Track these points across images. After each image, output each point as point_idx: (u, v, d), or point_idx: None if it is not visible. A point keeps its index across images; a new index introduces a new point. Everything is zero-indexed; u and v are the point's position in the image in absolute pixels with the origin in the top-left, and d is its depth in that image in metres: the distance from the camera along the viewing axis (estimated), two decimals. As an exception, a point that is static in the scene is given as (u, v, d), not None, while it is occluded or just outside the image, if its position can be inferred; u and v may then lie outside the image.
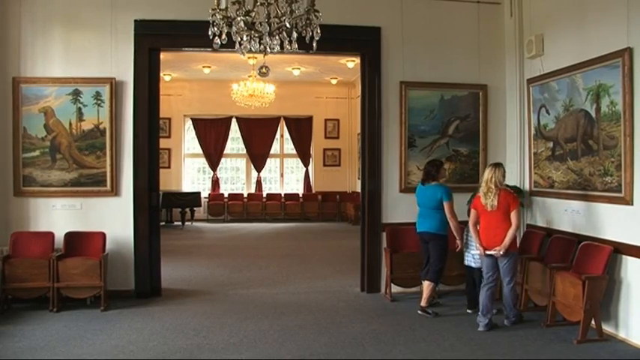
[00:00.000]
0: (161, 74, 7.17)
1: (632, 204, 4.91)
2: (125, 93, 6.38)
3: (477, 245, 5.36)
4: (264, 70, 10.64)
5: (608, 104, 5.19)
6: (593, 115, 5.42)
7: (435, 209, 5.78)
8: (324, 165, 16.10)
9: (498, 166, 5.32)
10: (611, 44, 5.07)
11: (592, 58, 5.36)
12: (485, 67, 7.00)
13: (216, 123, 15.53)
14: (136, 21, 6.36)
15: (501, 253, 5.15)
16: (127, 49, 6.36)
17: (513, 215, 5.14)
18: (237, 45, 3.80)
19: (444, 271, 5.93)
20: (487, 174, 5.28)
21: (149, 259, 6.46)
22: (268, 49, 3.79)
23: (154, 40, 6.42)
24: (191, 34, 6.16)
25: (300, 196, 15.90)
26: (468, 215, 5.60)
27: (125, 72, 6.36)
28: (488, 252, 5.24)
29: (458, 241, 5.87)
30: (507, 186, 6.58)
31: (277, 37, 3.74)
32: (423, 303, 5.85)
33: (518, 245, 5.63)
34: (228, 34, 3.72)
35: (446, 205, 5.72)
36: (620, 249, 4.98)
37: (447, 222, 5.75)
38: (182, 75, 14.24)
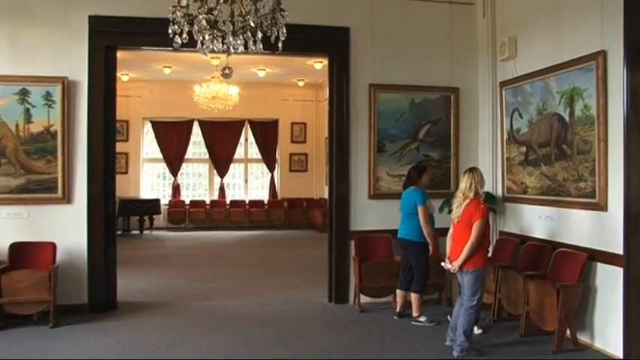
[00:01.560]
0: (118, 74, 6.96)
1: (606, 210, 4.96)
2: (79, 93, 6.16)
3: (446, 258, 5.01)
4: (227, 71, 10.46)
5: (582, 108, 5.24)
6: (567, 119, 5.47)
7: (412, 215, 5.80)
8: (291, 170, 16.03)
9: (475, 170, 4.95)
10: (585, 47, 5.13)
11: (566, 61, 5.42)
12: (457, 69, 7.03)
13: (177, 126, 15.29)
14: (90, 17, 6.15)
15: (453, 269, 4.80)
16: (81, 47, 6.14)
17: (474, 227, 4.69)
18: (199, 44, 3.69)
19: (427, 279, 5.91)
20: (465, 182, 4.83)
21: (104, 271, 6.24)
22: (232, 49, 3.69)
23: (111, 37, 6.23)
24: (150, 32, 5.98)
25: (266, 202, 15.80)
26: None
27: (79, 71, 6.14)
28: (445, 266, 4.96)
29: (431, 247, 5.84)
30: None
31: (241, 37, 3.64)
32: (414, 313, 5.87)
33: (488, 255, 5.24)
34: (190, 33, 3.62)
35: (419, 208, 5.73)
36: (595, 256, 5.02)
37: None
38: (141, 75, 13.96)
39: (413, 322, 5.84)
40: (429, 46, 6.97)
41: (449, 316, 5.61)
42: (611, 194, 4.90)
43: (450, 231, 5.02)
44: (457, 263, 4.77)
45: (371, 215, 6.74)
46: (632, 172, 4.52)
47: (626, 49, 4.51)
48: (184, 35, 3.61)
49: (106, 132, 6.26)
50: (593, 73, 5.02)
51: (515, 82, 6.33)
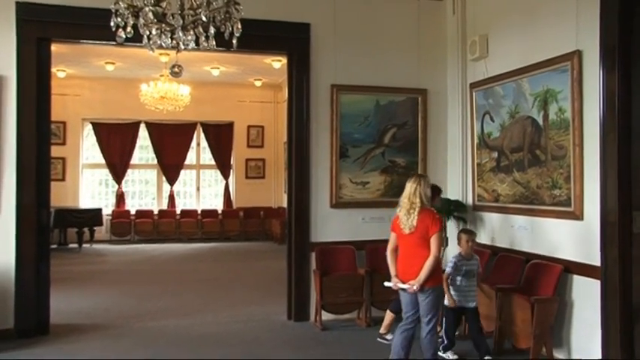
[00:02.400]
0: (53, 69, 6.72)
1: (582, 219, 5.02)
2: (6, 90, 5.87)
3: (392, 276, 4.69)
4: (176, 69, 10.32)
5: (556, 111, 5.31)
6: (541, 122, 5.53)
7: None
8: (247, 177, 15.90)
9: (423, 177, 4.80)
10: (559, 47, 5.20)
11: (539, 62, 5.48)
12: (425, 69, 7.06)
13: (122, 128, 14.93)
14: (18, 3, 5.87)
15: (415, 288, 4.46)
16: (8, 38, 5.85)
17: (433, 241, 4.45)
18: (145, 39, 3.56)
19: None
20: (410, 187, 4.65)
21: (35, 290, 5.96)
22: (181, 46, 3.58)
23: (44, 28, 5.98)
24: (90, 24, 5.77)
25: (220, 212, 15.63)
26: None
27: (6, 65, 5.85)
28: (400, 286, 4.58)
29: None
30: (449, 201, 6.72)
31: (192, 32, 3.54)
32: (382, 330, 5.81)
33: (447, 275, 5.21)
34: (135, 27, 3.48)
35: None
36: (571, 268, 5.06)
37: None
38: (80, 72, 13.59)
39: (379, 339, 5.77)
40: (395, 44, 6.98)
41: (379, 339, 5.74)
42: (587, 202, 4.96)
43: (393, 243, 4.74)
44: (419, 282, 4.43)
45: (333, 225, 6.70)
46: (609, 178, 4.59)
47: (602, 49, 4.60)
48: (129, 29, 3.48)
49: (39, 134, 6.00)
50: (568, 74, 5.09)
51: (487, 84, 6.38)
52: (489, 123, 6.38)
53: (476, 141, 6.63)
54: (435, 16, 7.11)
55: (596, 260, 4.72)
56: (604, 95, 4.62)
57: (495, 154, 6.30)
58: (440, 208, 6.30)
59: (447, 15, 7.09)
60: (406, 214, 4.58)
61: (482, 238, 6.52)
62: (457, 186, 6.90)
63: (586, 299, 4.91)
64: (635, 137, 4.50)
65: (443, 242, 6.00)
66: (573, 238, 5.12)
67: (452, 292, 5.26)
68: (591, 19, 4.73)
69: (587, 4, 4.83)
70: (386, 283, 4.74)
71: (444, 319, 5.31)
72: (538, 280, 5.25)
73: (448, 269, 5.24)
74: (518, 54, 5.86)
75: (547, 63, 5.37)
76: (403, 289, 4.58)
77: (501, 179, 6.20)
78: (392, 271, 4.68)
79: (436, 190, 5.97)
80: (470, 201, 6.76)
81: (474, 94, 6.64)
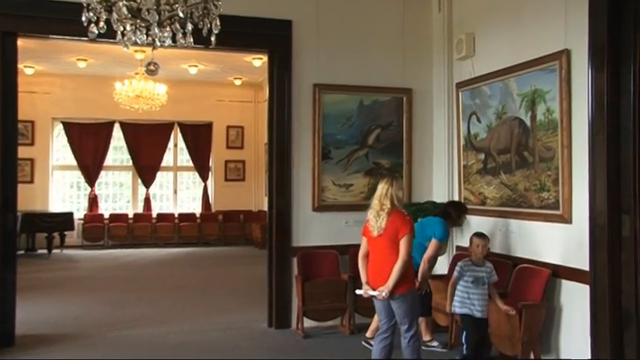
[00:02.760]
0: (20, 66, 6.62)
1: (570, 222, 5.05)
2: (-31, 87, 5.78)
3: (363, 283, 4.57)
4: (152, 67, 10.17)
5: (544, 112, 5.34)
6: (529, 123, 5.57)
7: (420, 244, 5.52)
8: (226, 180, 15.82)
9: (396, 178, 4.75)
10: (547, 46, 5.23)
11: (527, 61, 5.52)
12: (410, 69, 7.07)
13: (95, 128, 14.77)
14: (-20, -5, 5.79)
15: (384, 295, 4.35)
16: (-29, 31, 5.77)
17: (402, 244, 4.35)
18: (119, 35, 3.50)
19: (429, 301, 5.82)
20: (381, 188, 4.57)
21: (0, 299, 5.86)
22: (157, 42, 3.53)
23: (9, 21, 5.87)
24: (60, 18, 5.70)
25: (198, 216, 15.55)
26: None
27: (-31, 60, 5.77)
28: (370, 293, 4.46)
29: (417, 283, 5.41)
30: (434, 204, 6.73)
31: (168, 28, 3.49)
32: (425, 337, 5.78)
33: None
34: (108, 22, 3.41)
35: (433, 242, 5.54)
36: (560, 272, 5.09)
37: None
38: (50, 68, 13.40)
39: (364, 343, 5.77)
40: (379, 43, 7.00)
41: (364, 342, 5.71)
42: (576, 205, 4.99)
43: (364, 249, 4.62)
44: (388, 288, 4.32)
45: (315, 229, 6.69)
46: (598, 181, 4.62)
47: (591, 48, 4.63)
48: (101, 24, 3.39)
49: (5, 134, 5.89)
50: (557, 73, 5.13)
51: (473, 83, 6.41)
52: (476, 124, 6.40)
53: (462, 142, 6.66)
54: (420, 14, 7.13)
55: (585, 265, 4.75)
56: (593, 95, 4.66)
57: (482, 156, 6.33)
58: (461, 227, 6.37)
59: (432, 13, 7.11)
60: (376, 216, 4.50)
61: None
62: (443, 188, 6.92)
63: (575, 305, 4.94)
64: (623, 137, 4.53)
65: (446, 249, 6.05)
66: (562, 241, 5.15)
67: (455, 299, 5.01)
68: (580, 18, 4.77)
69: (576, 2, 4.86)
70: (357, 291, 4.68)
71: (464, 327, 5.08)
72: (526, 285, 5.27)
73: (455, 274, 5.08)
74: (505, 53, 5.90)
75: (535, 62, 5.41)
76: (374, 297, 4.47)
77: (488, 181, 6.23)
78: (362, 277, 4.58)
79: (462, 209, 5.98)
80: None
81: (460, 94, 6.66)
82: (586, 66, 4.71)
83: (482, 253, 5.08)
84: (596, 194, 4.65)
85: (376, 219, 4.49)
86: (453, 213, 5.92)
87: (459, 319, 5.27)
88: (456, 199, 6.76)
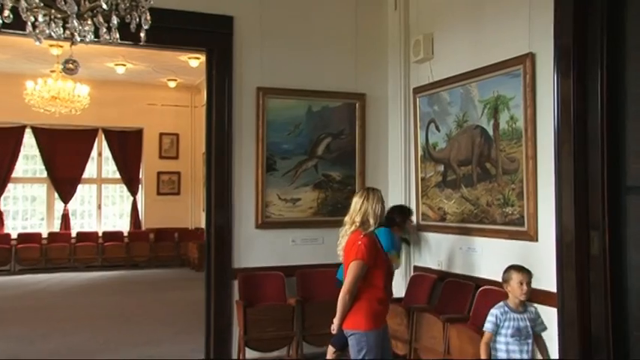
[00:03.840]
0: None
1: (536, 240, 5.16)
2: None
3: None
4: (71, 64, 9.95)
5: (507, 120, 5.46)
6: (491, 132, 5.68)
7: None
8: (159, 193, 15.66)
9: (374, 191, 4.41)
10: (511, 49, 5.35)
11: (489, 65, 5.63)
12: (363, 72, 7.14)
13: (1, 133, 14.34)
14: None
15: (333, 329, 4.25)
16: None
17: (348, 271, 4.18)
18: (29, 26, 3.35)
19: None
20: (354, 203, 4.35)
21: None
22: (77, 37, 3.40)
23: None
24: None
25: (125, 235, 15.32)
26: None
27: None
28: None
29: None
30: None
31: (90, 22, 3.39)
32: None
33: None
34: (16, 11, 3.27)
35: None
36: (525, 295, 5.18)
37: None
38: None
39: None
40: (330, 43, 7.04)
41: None
42: (542, 221, 5.10)
43: None
44: (336, 321, 4.19)
45: (259, 249, 6.67)
46: (565, 194, 4.72)
47: (557, 51, 4.76)
48: (7, 12, 3.24)
49: None
50: (521, 79, 5.25)
51: (432, 89, 6.51)
52: (435, 132, 6.50)
53: (420, 152, 6.74)
54: (374, 12, 7.21)
55: (552, 286, 4.84)
56: (558, 102, 4.77)
57: (441, 168, 6.42)
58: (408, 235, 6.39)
59: (388, 11, 7.20)
60: (343, 235, 4.36)
61: (428, 261, 6.62)
62: (399, 203, 6.96)
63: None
64: (591, 147, 4.63)
65: (399, 261, 6.10)
66: (527, 261, 5.19)
67: None
68: (545, 19, 4.89)
69: (541, 2, 4.99)
70: None
71: None
72: (490, 309, 5.33)
73: (488, 325, 4.38)
74: (466, 56, 6.01)
75: (498, 66, 5.53)
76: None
77: (448, 195, 6.31)
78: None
79: (406, 212, 5.99)
80: (413, 220, 6.84)
81: (417, 99, 6.76)
82: (551, 70, 4.83)
83: (527, 294, 4.32)
84: (562, 209, 4.74)
85: (341, 240, 4.36)
86: (397, 218, 5.98)
87: None
88: (414, 215, 6.82)
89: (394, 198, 7.08)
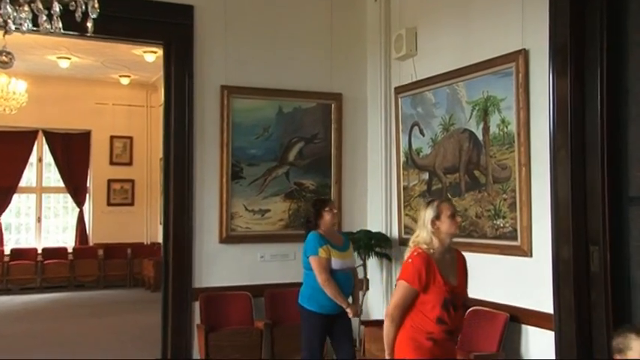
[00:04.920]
0: None
1: (530, 255, 5.21)
2: None
3: None
4: (4, 57, 9.82)
5: (498, 123, 5.53)
6: (480, 137, 5.74)
7: (307, 270, 5.49)
8: (109, 204, 15.44)
9: (433, 201, 4.27)
10: (502, 45, 5.42)
11: (478, 62, 5.69)
12: (340, 69, 7.21)
13: None
14: None
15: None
16: None
17: (394, 290, 4.22)
18: (-50, 11, 3.32)
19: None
20: (420, 216, 4.25)
21: None
22: (11, 25, 3.35)
23: None
24: None
25: (70, 251, 15.05)
26: None
27: None
28: None
29: (349, 310, 5.43)
30: (369, 233, 6.80)
31: (27, 8, 3.35)
32: None
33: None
34: None
35: (310, 260, 5.38)
36: (519, 316, 5.23)
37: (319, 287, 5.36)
38: None
39: None
40: (303, 37, 7.10)
41: None
42: (537, 234, 5.15)
43: None
44: (386, 352, 4.09)
45: (223, 266, 6.69)
46: (561, 205, 4.78)
47: (553, 47, 4.82)
48: None
49: None
50: (513, 78, 5.32)
51: (415, 88, 6.57)
52: (418, 137, 6.55)
53: (402, 159, 6.79)
54: (352, 4, 7.30)
55: (548, 307, 4.88)
56: (554, 104, 4.84)
57: (426, 176, 6.47)
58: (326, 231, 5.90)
59: (367, 2, 7.28)
60: None
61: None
62: (379, 215, 7.03)
63: (538, 354, 5.08)
64: (590, 154, 4.70)
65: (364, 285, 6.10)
66: (521, 279, 5.29)
67: None
68: (540, 12, 4.96)
69: (535, -5, 5.09)
70: None
71: None
72: (479, 332, 5.39)
73: None
74: (453, 52, 6.07)
75: (487, 64, 5.59)
76: None
77: (434, 206, 6.35)
78: None
79: (319, 204, 5.66)
80: (395, 233, 6.90)
81: (399, 100, 6.81)
82: (546, 69, 4.90)
83: None
84: (559, 222, 4.80)
85: None
86: (311, 216, 5.66)
87: None
88: (395, 227, 6.88)
89: (374, 210, 7.13)
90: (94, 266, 14.88)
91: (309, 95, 7.08)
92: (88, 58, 12.84)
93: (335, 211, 5.67)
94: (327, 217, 5.53)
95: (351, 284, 5.54)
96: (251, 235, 6.79)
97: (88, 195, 15.46)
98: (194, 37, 6.67)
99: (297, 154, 7.06)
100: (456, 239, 5.89)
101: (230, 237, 6.74)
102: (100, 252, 15.06)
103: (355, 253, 6.17)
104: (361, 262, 6.66)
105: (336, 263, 5.40)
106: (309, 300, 5.42)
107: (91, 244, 15.26)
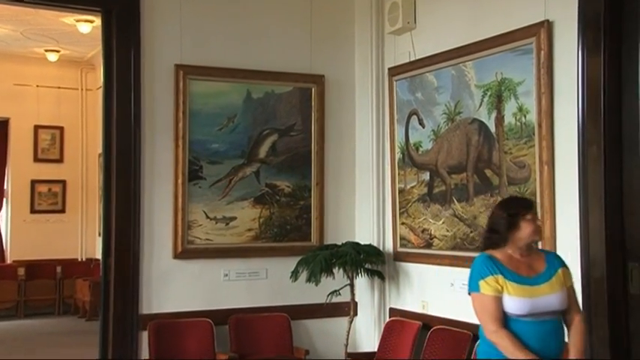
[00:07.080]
0: None
1: (555, 273, 5.22)
2: None
3: None
4: None
5: (514, 112, 5.53)
6: (493, 128, 5.75)
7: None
8: (34, 211, 15.40)
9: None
10: (520, 16, 5.40)
11: (491, 37, 5.68)
12: (322, 46, 7.23)
13: None
14: None
15: None
16: None
17: None
18: None
19: None
20: None
21: None
22: None
23: None
24: None
25: (-21, 271, 14.99)
26: None
27: None
28: None
29: None
30: (357, 246, 6.79)
31: None
32: None
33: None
34: None
35: (471, 299, 4.54)
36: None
37: None
38: None
39: None
40: (277, 7, 7.12)
41: None
42: (562, 248, 5.10)
43: None
44: None
45: (178, 287, 6.68)
46: (593, 212, 4.77)
47: (582, 19, 4.79)
48: None
49: None
50: (533, 56, 5.31)
51: (413, 69, 6.58)
52: (417, 128, 6.57)
53: (398, 155, 6.81)
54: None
55: (576, 335, 4.91)
56: (584, 88, 4.83)
57: (426, 176, 6.48)
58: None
59: (353, -35, 7.32)
60: None
61: (409, 302, 6.65)
62: (369, 224, 7.04)
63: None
64: (627, 149, 4.71)
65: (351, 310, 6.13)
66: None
67: None
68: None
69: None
70: None
71: None
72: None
73: None
74: (460, 25, 6.08)
75: (502, 39, 5.58)
76: None
77: (435, 213, 6.37)
78: None
79: (515, 207, 5.41)
80: (389, 247, 6.90)
81: (394, 84, 6.83)
82: (575, 45, 4.89)
83: None
84: (589, 233, 4.79)
85: None
86: (500, 225, 5.42)
87: None
88: (389, 239, 6.88)
89: (363, 218, 7.13)
90: (12, 289, 14.69)
91: (284, 77, 7.09)
92: (4, 27, 12.76)
93: (539, 222, 4.66)
94: (526, 229, 4.32)
95: (552, 338, 4.24)
96: (213, 248, 6.78)
97: (5, 200, 15.46)
98: (141, 4, 6.63)
99: (270, 150, 7.07)
100: (462, 253, 5.99)
101: (187, 251, 6.73)
102: (21, 271, 14.95)
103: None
104: (348, 282, 6.66)
105: (515, 304, 4.18)
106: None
107: (8, 261, 15.27)
